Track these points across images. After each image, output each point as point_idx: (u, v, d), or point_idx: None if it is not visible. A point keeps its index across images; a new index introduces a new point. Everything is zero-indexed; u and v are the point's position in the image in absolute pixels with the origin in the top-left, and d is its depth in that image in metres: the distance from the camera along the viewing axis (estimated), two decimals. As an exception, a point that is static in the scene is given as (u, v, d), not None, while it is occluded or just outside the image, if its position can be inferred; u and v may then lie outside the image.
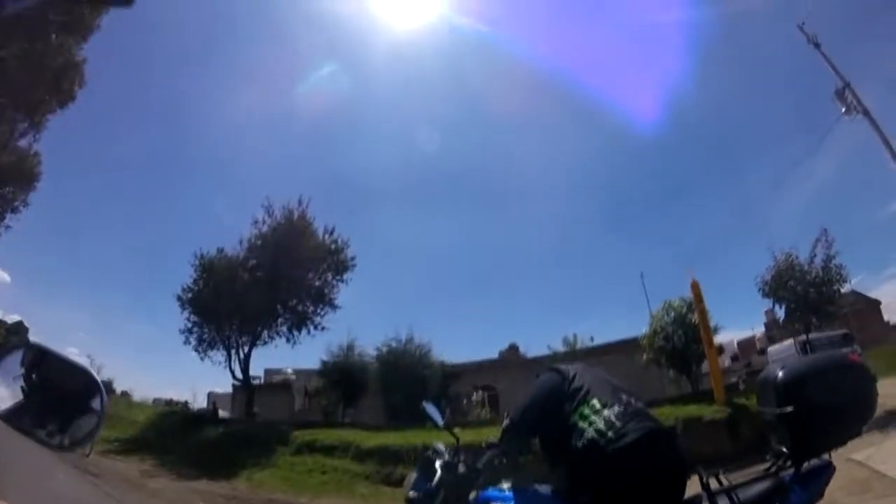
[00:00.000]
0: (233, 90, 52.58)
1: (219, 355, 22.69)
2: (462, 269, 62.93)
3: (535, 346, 26.73)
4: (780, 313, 16.62)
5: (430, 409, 2.81)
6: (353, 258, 23.36)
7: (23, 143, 21.29)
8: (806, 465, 2.27)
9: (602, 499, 2.01)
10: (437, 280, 60.09)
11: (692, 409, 11.61)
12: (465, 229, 62.51)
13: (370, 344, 21.92)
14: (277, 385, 27.12)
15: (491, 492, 2.25)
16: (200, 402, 30.63)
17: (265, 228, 22.59)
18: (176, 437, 17.32)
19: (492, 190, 61.96)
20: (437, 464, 2.31)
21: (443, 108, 55.07)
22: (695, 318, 14.44)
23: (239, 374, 22.77)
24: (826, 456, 2.32)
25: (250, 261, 22.62)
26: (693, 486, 2.16)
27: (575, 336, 20.77)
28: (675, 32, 45.92)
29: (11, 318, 33.10)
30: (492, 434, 2.52)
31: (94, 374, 1.52)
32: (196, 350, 22.56)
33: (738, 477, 2.27)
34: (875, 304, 31.35)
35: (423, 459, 2.46)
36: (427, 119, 53.61)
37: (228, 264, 22.43)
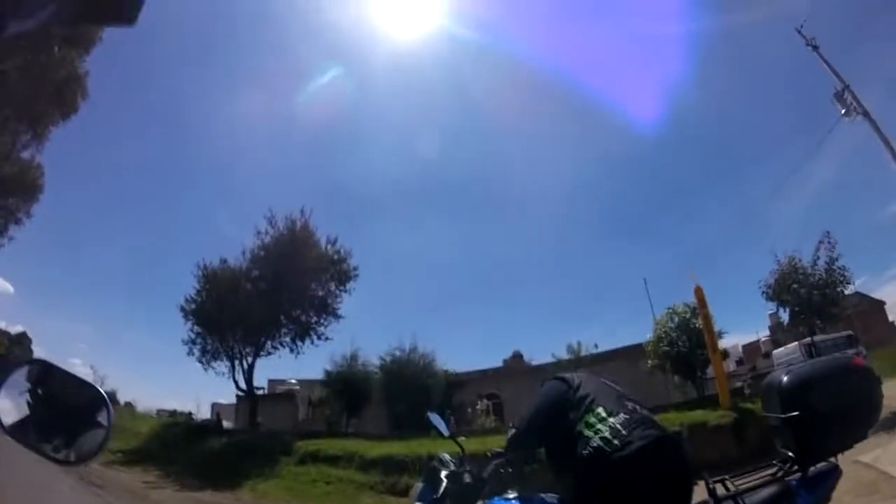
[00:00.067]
0: (234, 101, 52.86)
1: (222, 366, 22.76)
2: (465, 277, 62.89)
3: (538, 354, 26.85)
4: (784, 316, 16.49)
5: (435, 418, 2.82)
6: (355, 268, 23.46)
7: (25, 154, 21.51)
8: (812, 469, 2.26)
9: (608, 507, 2.00)
10: (440, 288, 60.03)
11: (697, 415, 11.60)
12: (467, 237, 62.65)
13: (373, 353, 22.05)
14: (281, 395, 27.03)
15: (496, 501, 2.23)
16: (204, 413, 30.61)
17: (268, 239, 22.66)
18: (179, 447, 17.30)
19: (494, 197, 62.04)
20: (442, 473, 2.30)
21: (443, 115, 55.33)
22: (699, 323, 14.43)
23: (242, 385, 22.79)
24: (832, 459, 2.31)
25: (253, 271, 22.70)
26: (699, 493, 2.15)
27: (579, 343, 20.88)
28: (674, 36, 46.06)
29: (15, 329, 33.32)
30: (497, 443, 2.52)
31: (101, 389, 1.53)
32: (199, 361, 22.64)
33: (744, 482, 2.26)
34: (879, 305, 31.17)
35: (428, 469, 2.45)
36: (427, 127, 53.78)
37: (231, 275, 22.48)
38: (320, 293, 23.12)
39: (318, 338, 22.90)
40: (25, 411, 1.38)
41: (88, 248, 55.01)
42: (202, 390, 55.95)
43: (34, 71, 17.85)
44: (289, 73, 54.16)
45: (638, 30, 48.19)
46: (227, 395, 27.40)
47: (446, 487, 2.22)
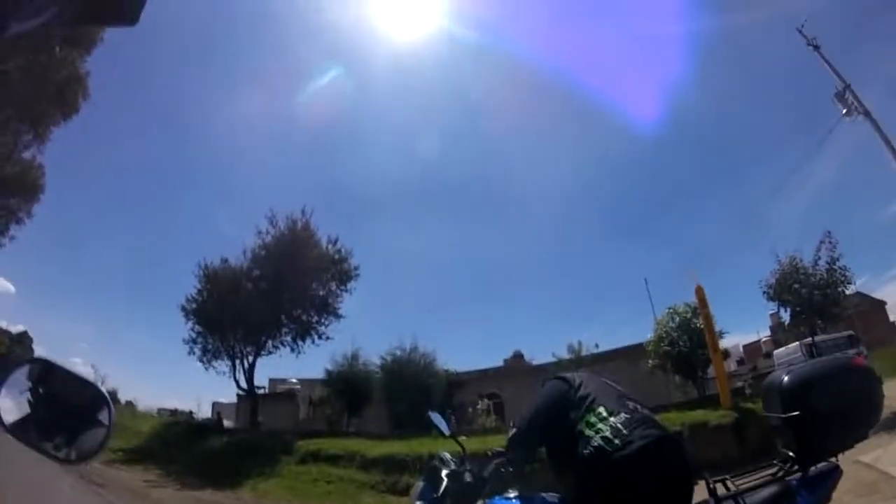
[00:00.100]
0: (234, 101, 52.99)
1: (223, 365, 22.78)
2: (466, 276, 63.03)
3: (539, 354, 26.84)
4: (786, 316, 16.45)
5: (436, 418, 2.82)
6: (356, 267, 23.48)
7: (27, 154, 21.53)
8: (813, 469, 2.26)
9: (609, 507, 2.00)
10: (441, 288, 60.18)
11: (698, 415, 11.59)
12: (467, 237, 62.75)
13: (374, 353, 22.06)
14: (282, 395, 27.07)
15: (497, 501, 2.23)
16: (205, 412, 30.74)
17: (269, 238, 22.69)
18: (180, 446, 17.32)
19: (494, 197, 62.19)
20: (443, 473, 2.30)
21: (443, 115, 55.45)
22: (700, 322, 14.42)
23: (243, 384, 22.81)
24: (833, 459, 2.31)
25: (254, 271, 22.71)
26: (700, 492, 2.15)
27: (580, 343, 20.87)
28: (674, 36, 46.04)
29: (16, 329, 33.38)
30: (497, 442, 2.52)
31: (102, 387, 1.53)
32: (200, 360, 22.67)
33: (744, 482, 2.26)
34: (880, 305, 31.13)
35: (428, 468, 2.45)
36: (427, 127, 53.95)
37: (232, 275, 22.50)
38: (321, 293, 23.13)
39: (319, 337, 22.97)
40: (26, 410, 1.38)
41: (89, 247, 55.25)
42: (203, 389, 56.32)
43: (35, 71, 17.87)
44: (289, 73, 54.38)
45: (638, 30, 48.30)
46: (228, 394, 27.47)
47: (447, 486, 2.22)
